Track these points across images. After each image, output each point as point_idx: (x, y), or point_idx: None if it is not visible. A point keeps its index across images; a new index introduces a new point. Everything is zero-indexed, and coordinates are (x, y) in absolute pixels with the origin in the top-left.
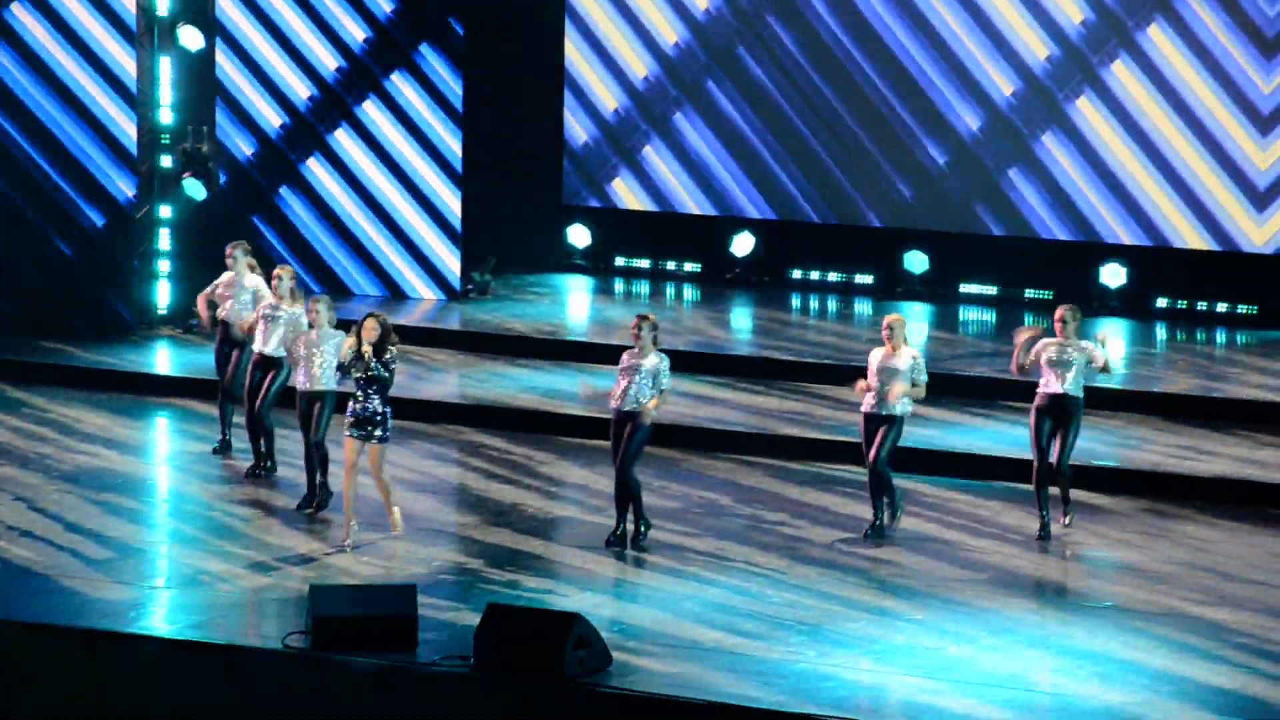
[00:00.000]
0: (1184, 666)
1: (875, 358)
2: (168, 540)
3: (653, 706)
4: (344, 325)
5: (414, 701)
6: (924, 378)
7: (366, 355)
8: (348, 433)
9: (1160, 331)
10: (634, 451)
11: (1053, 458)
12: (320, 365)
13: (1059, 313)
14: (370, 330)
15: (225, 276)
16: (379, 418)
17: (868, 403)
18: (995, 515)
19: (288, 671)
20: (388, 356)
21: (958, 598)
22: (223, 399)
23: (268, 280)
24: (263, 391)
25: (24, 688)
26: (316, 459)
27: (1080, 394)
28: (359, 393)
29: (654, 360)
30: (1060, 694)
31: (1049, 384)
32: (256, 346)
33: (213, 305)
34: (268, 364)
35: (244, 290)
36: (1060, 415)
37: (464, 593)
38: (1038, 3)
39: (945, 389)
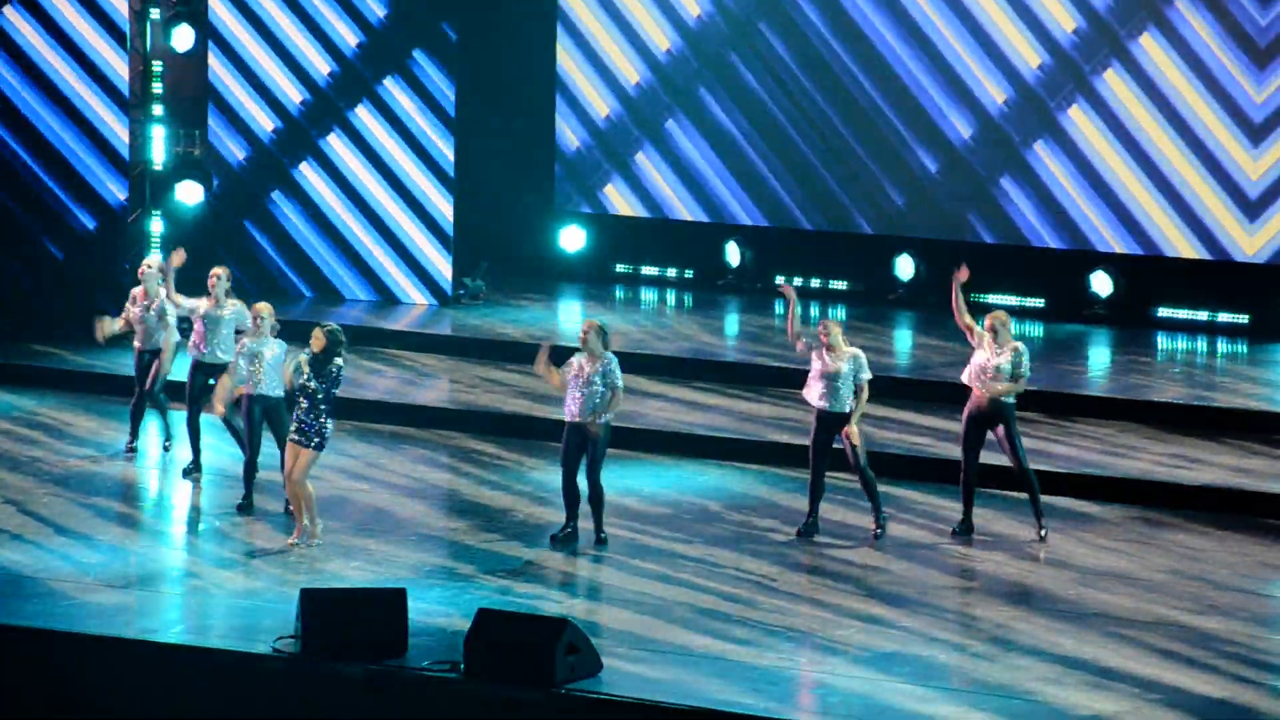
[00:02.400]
0: (1173, 675)
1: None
2: (158, 544)
3: (643, 712)
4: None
5: (404, 706)
6: (866, 375)
7: (302, 364)
8: (290, 437)
9: (1150, 340)
10: (601, 458)
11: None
12: (267, 375)
13: (990, 322)
14: (315, 341)
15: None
16: (314, 427)
17: (819, 400)
18: (985, 523)
19: (277, 676)
20: (331, 368)
21: (947, 605)
22: (139, 405)
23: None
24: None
25: (12, 691)
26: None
27: (1010, 400)
28: (301, 400)
29: (602, 364)
30: (1049, 702)
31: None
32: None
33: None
34: (215, 369)
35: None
36: (992, 420)
37: (454, 598)
38: (1030, 11)
39: (934, 396)
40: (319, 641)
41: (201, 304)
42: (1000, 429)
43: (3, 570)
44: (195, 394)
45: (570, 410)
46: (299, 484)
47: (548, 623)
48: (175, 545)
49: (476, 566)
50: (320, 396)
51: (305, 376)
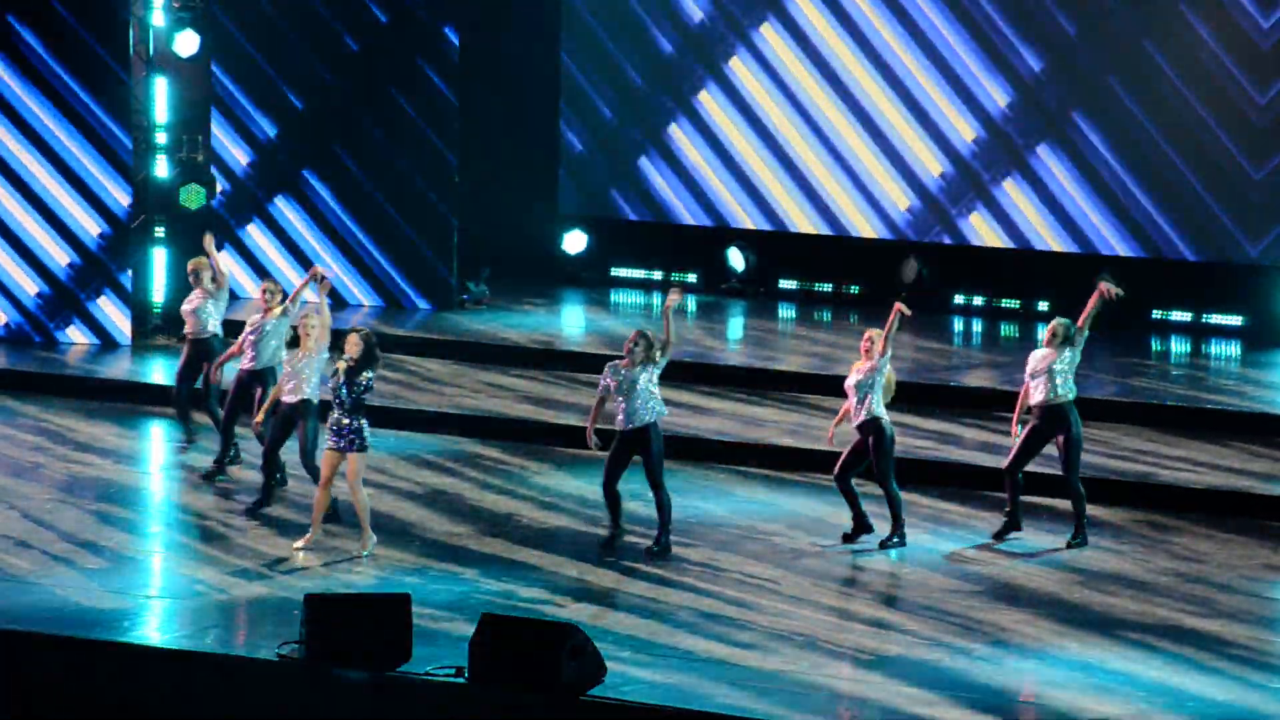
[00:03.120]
0: (1178, 678)
1: (852, 372)
2: (162, 550)
3: (647, 716)
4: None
5: (408, 711)
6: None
7: (340, 370)
8: (327, 444)
9: (1153, 343)
10: (659, 465)
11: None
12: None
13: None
14: (351, 345)
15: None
16: (350, 430)
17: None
18: (990, 526)
19: (281, 682)
20: (362, 378)
21: (952, 609)
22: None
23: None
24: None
25: (17, 698)
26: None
27: (1068, 397)
28: (333, 408)
29: (643, 371)
30: (1054, 705)
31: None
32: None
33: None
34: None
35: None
36: (1053, 425)
37: (458, 603)
38: (1032, 15)
39: (938, 399)
40: (323, 647)
41: (257, 318)
42: (1060, 437)
43: (8, 576)
44: (245, 404)
45: (619, 421)
46: (354, 490)
47: (552, 627)
48: (180, 551)
49: (480, 571)
50: (349, 405)
51: (339, 383)
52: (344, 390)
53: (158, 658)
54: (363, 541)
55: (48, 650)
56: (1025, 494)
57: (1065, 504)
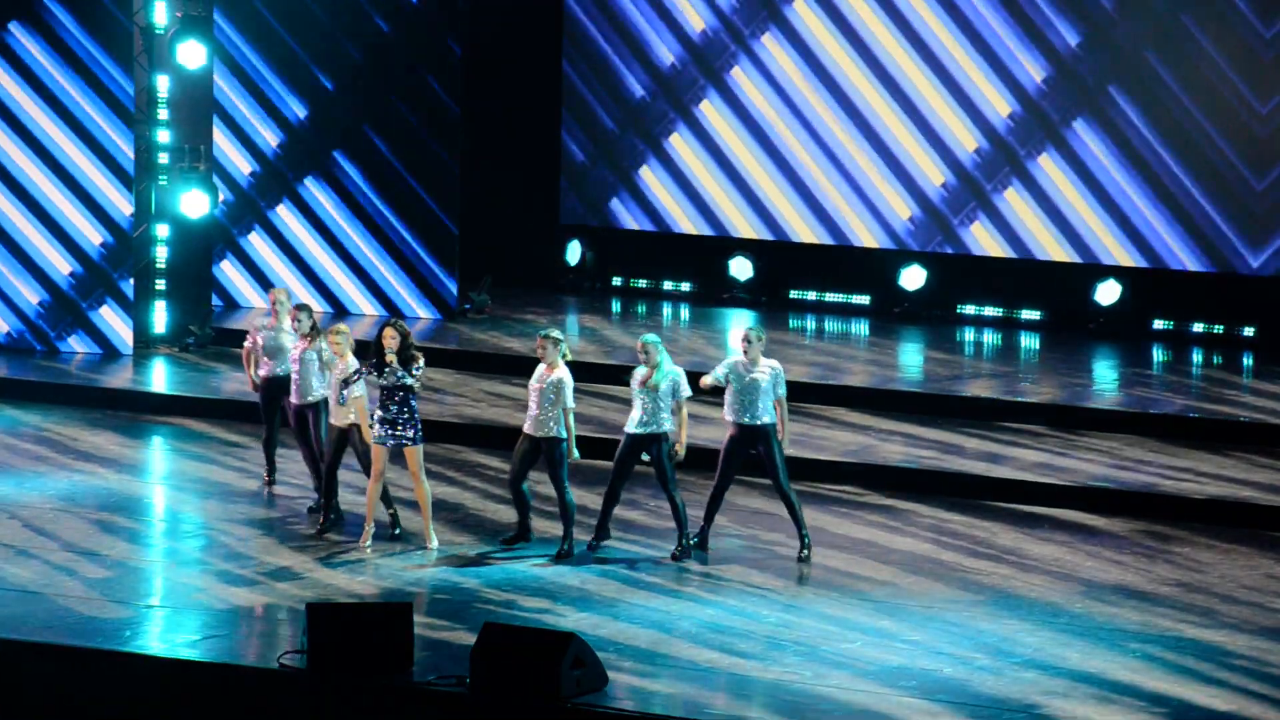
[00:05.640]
0: (1180, 689)
1: (637, 377)
2: (164, 559)
3: None
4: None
5: None
6: (687, 394)
7: (392, 364)
8: (377, 440)
9: (1155, 353)
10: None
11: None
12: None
13: (744, 334)
14: (389, 339)
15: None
16: (412, 423)
17: (634, 420)
18: (992, 536)
19: (283, 691)
20: (416, 366)
21: (954, 619)
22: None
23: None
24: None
25: (19, 707)
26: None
27: (773, 419)
28: (390, 402)
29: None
30: (1055, 716)
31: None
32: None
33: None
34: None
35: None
36: (755, 442)
37: (460, 612)
38: (1034, 24)
39: (941, 410)
40: (325, 656)
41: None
42: (761, 449)
43: (9, 586)
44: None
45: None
46: (417, 483)
47: (553, 637)
48: (181, 560)
49: (482, 581)
50: (416, 391)
51: (399, 376)
52: (411, 380)
53: (159, 667)
54: (426, 536)
55: (49, 660)
56: (1027, 504)
57: (1068, 514)
